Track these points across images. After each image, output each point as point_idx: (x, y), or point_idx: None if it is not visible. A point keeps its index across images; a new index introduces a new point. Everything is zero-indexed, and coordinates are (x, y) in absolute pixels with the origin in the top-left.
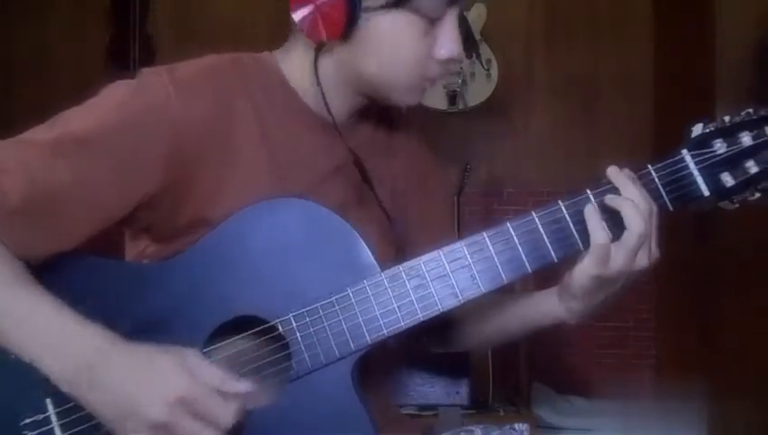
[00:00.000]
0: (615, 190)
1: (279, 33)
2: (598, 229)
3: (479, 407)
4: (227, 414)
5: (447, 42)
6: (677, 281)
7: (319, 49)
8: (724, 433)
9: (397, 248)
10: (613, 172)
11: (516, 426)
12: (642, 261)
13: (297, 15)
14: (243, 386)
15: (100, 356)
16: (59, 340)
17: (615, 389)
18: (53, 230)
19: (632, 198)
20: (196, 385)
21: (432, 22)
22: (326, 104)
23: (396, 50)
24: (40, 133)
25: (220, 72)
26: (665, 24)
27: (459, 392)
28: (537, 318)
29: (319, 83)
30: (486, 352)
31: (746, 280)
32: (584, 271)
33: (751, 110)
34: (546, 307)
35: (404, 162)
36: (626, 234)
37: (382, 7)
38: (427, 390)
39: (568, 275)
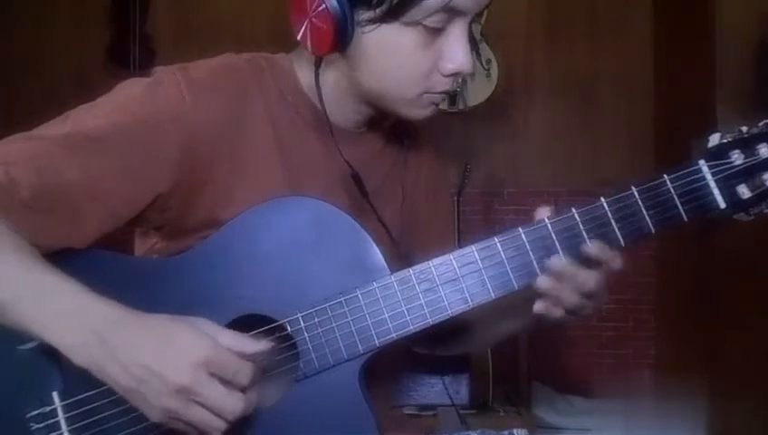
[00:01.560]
0: (627, 198)
1: (279, 33)
2: (541, 280)
3: (479, 407)
4: (247, 375)
5: (453, 54)
6: (678, 281)
7: (318, 62)
8: (724, 433)
9: (399, 262)
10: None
11: (516, 432)
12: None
13: (296, 28)
14: (260, 345)
15: (110, 325)
16: (68, 310)
17: (615, 389)
18: (60, 225)
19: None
20: (219, 347)
21: (436, 32)
22: (326, 116)
23: (394, 64)
24: (51, 129)
25: (235, 73)
26: (665, 24)
27: (459, 392)
28: (533, 322)
29: (320, 96)
30: (486, 353)
31: (747, 280)
32: (540, 311)
33: None
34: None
35: (415, 173)
36: None
37: (372, 21)
38: (427, 390)
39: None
